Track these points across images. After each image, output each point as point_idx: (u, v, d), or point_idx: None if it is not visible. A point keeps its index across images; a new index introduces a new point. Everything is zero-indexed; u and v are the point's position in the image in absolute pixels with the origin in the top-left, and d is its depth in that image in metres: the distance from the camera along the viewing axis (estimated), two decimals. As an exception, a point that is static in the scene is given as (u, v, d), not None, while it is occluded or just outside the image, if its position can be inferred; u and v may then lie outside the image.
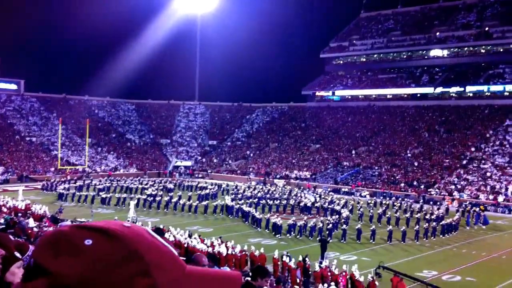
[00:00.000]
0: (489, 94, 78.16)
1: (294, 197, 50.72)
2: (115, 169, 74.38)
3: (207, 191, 53.04)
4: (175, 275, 1.10)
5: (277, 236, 34.43)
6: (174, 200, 45.50)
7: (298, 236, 34.56)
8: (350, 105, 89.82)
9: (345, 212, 40.67)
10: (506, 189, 54.24)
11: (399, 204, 47.73)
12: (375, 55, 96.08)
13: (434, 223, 37.15)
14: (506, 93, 76.43)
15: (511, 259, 29.86)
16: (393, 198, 53.01)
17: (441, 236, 36.05)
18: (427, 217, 39.72)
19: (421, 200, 52.46)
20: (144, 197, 47.19)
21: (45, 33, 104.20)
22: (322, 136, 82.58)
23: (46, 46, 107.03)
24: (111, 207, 45.39)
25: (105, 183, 56.56)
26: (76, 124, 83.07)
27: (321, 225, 35.05)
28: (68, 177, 63.01)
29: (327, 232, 33.95)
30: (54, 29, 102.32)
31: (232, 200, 46.58)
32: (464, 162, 62.66)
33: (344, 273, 23.43)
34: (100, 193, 48.48)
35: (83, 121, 74.92)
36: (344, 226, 35.35)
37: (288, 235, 34.66)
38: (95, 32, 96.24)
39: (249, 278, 5.77)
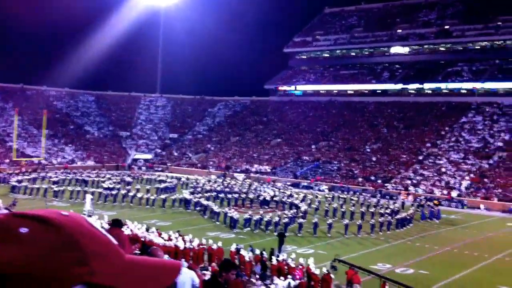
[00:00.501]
0: (446, 91, 79.96)
1: (253, 191, 50.77)
2: (72, 162, 72.88)
3: (166, 184, 52.62)
4: (113, 263, 1.09)
5: (233, 230, 34.35)
6: (131, 193, 44.90)
7: (254, 230, 34.49)
8: (312, 100, 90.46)
9: (303, 206, 40.97)
10: (460, 184, 55.67)
11: (356, 198, 48.44)
12: (338, 51, 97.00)
13: (389, 217, 37.79)
14: (463, 91, 78.38)
15: (463, 253, 30.60)
16: (351, 192, 53.77)
17: (396, 230, 36.70)
18: (382, 211, 40.38)
19: (378, 195, 53.33)
20: (100, 190, 46.33)
21: (2, 21, 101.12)
22: (283, 130, 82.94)
23: (3, 35, 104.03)
24: (66, 200, 44.43)
25: (60, 176, 55.20)
26: (33, 115, 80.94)
27: (277, 219, 35.10)
28: (23, 169, 61.39)
29: (284, 226, 34.04)
30: (12, 17, 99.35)
31: (191, 193, 46.27)
32: (421, 157, 64.00)
33: (300, 266, 23.56)
34: (53, 186, 47.05)
35: (41, 112, 73.05)
36: (301, 220, 35.58)
37: (244, 229, 34.55)
38: (55, 21, 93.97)
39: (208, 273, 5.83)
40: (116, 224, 6.53)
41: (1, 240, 1.01)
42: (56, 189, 46.11)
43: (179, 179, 58.18)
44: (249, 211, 37.88)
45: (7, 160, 65.68)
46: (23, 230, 1.03)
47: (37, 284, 1.00)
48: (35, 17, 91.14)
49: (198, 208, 41.19)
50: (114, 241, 1.16)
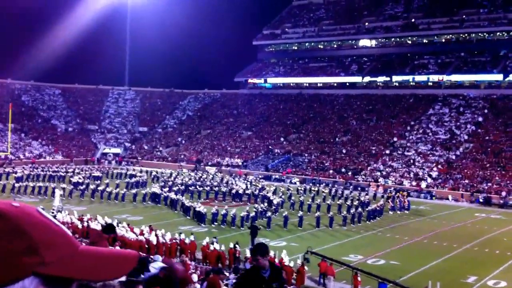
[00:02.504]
0: (413, 84, 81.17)
1: (225, 184, 50.70)
2: (39, 156, 71.43)
3: (137, 179, 52.10)
4: (66, 253, 1.08)
5: (201, 224, 34.13)
6: (101, 188, 44.30)
7: (221, 225, 34.27)
8: (282, 93, 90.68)
9: (275, 199, 41.06)
10: (429, 175, 56.70)
11: (327, 191, 48.85)
12: (307, 44, 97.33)
13: (360, 209, 38.24)
14: (429, 83, 79.73)
15: (432, 243, 31.20)
16: (322, 184, 54.19)
17: (367, 221, 37.17)
18: (354, 203, 40.84)
19: (350, 187, 53.89)
20: (70, 187, 45.42)
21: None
22: (253, 123, 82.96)
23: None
24: (35, 196, 43.54)
25: (24, 171, 53.68)
26: (-3, 109, 78.97)
27: (246, 213, 34.94)
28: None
29: (252, 220, 33.88)
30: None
31: (161, 188, 45.87)
32: (390, 149, 64.92)
33: (273, 258, 23.67)
34: (17, 184, 45.57)
35: (5, 106, 71.29)
36: (270, 213, 35.61)
37: (212, 224, 34.26)
38: (19, 12, 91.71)
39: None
40: (109, 229, 6.39)
41: None
42: (17, 185, 44.99)
43: (150, 173, 57.68)
44: (216, 206, 37.56)
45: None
46: None
47: None
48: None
49: (167, 203, 40.86)
50: (68, 232, 1.15)
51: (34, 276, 1.03)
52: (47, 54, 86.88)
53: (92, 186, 44.94)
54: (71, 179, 49.74)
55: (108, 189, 43.98)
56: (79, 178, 49.41)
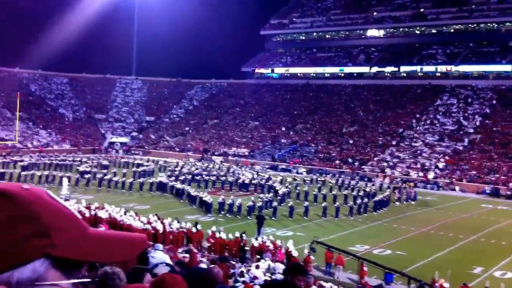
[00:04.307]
0: (421, 74, 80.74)
1: (232, 174, 50.78)
2: (47, 145, 71.79)
3: (144, 168, 52.25)
4: (75, 236, 1.10)
5: (208, 214, 34.25)
6: (108, 177, 44.46)
7: (226, 214, 34.37)
8: (289, 83, 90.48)
9: (281, 189, 41.09)
10: (436, 166, 56.53)
11: (334, 181, 48.81)
12: (314, 34, 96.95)
13: (366, 199, 38.20)
14: (437, 74, 79.29)
15: (439, 234, 31.19)
16: (329, 175, 54.16)
17: (373, 212, 37.13)
18: (360, 193, 40.81)
19: (356, 177, 53.83)
20: (77, 176, 45.66)
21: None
22: (260, 113, 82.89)
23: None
24: (42, 184, 43.74)
25: (31, 160, 53.90)
26: (5, 97, 79.24)
27: (252, 203, 34.98)
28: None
29: (258, 209, 33.91)
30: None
31: (168, 177, 46.02)
32: (397, 140, 64.73)
33: (279, 248, 23.76)
34: (23, 172, 45.78)
35: (13, 94, 71.50)
36: (276, 203, 35.59)
37: (219, 213, 34.28)
38: (27, 1, 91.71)
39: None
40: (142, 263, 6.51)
41: None
42: (24, 174, 45.25)
43: (156, 162, 57.85)
44: (222, 195, 37.62)
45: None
46: None
47: None
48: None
49: (174, 192, 40.95)
50: (78, 215, 1.16)
51: (45, 258, 1.05)
52: (55, 43, 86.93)
53: (99, 175, 45.10)
54: (78, 168, 49.97)
55: (115, 178, 44.16)
56: (86, 167, 49.61)
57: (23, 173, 45.48)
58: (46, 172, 46.51)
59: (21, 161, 52.57)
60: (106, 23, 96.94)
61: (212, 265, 5.89)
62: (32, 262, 1.04)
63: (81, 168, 48.83)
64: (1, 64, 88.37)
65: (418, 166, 57.47)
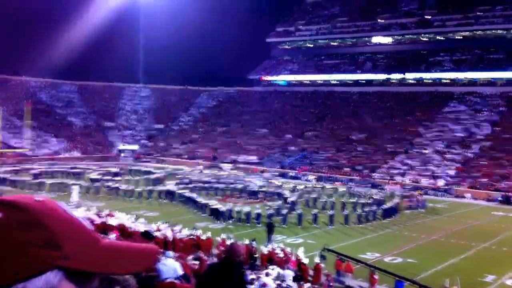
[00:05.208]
0: (429, 81, 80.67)
1: (241, 181, 50.84)
2: (57, 153, 72.21)
3: (154, 175, 52.39)
4: (88, 248, 1.10)
5: (218, 221, 34.33)
6: (117, 184, 44.62)
7: (236, 221, 34.38)
8: (296, 90, 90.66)
9: (292, 197, 41.01)
10: (446, 173, 56.35)
11: (344, 189, 48.71)
12: (321, 41, 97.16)
13: (375, 207, 38.09)
14: (445, 81, 79.17)
15: (450, 241, 31.07)
16: (338, 182, 54.08)
17: (382, 220, 36.98)
18: (369, 201, 40.71)
19: (366, 184, 53.70)
20: (88, 183, 45.85)
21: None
22: (268, 120, 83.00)
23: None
24: (53, 192, 43.99)
25: (41, 168, 54.38)
26: (14, 106, 79.73)
27: (261, 210, 35.01)
28: (9, 161, 60.62)
29: (267, 217, 33.75)
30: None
31: (177, 185, 46.13)
32: (406, 147, 64.60)
33: (290, 255, 23.76)
34: (34, 180, 46.20)
35: (22, 103, 72.01)
36: (286, 210, 35.57)
37: (228, 220, 34.36)
38: (35, 9, 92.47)
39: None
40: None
41: None
42: (34, 182, 45.53)
43: (166, 170, 58.05)
44: (230, 203, 37.71)
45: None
46: None
47: (8, 265, 1.02)
48: (13, 3, 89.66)
49: (182, 199, 41.04)
50: (90, 227, 1.16)
51: (58, 269, 1.05)
52: (62, 51, 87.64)
53: (109, 183, 45.26)
54: (88, 175, 50.23)
55: (124, 185, 44.32)
56: (97, 175, 49.86)
57: (34, 181, 45.77)
58: (57, 180, 46.77)
59: (32, 169, 52.95)
60: (113, 30, 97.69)
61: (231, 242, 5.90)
62: (44, 273, 1.04)
63: (92, 176, 49.06)
64: (9, 72, 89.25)
65: (429, 173, 57.28)
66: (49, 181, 46.27)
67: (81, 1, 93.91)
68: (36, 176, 48.46)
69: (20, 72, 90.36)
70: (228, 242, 25.33)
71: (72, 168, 55.61)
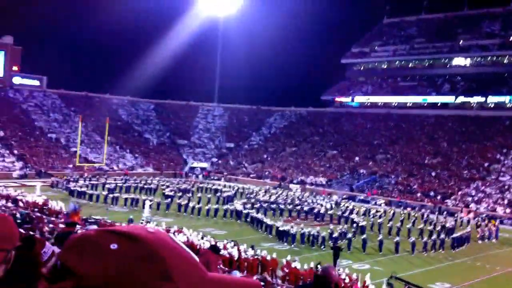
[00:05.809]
0: (510, 105, 77.12)
1: (308, 203, 50.47)
2: (132, 168, 74.95)
3: (224, 194, 53.01)
4: (196, 280, 1.13)
5: (284, 242, 34.13)
6: (186, 202, 45.36)
7: (302, 244, 34.06)
8: (369, 112, 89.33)
9: (363, 221, 40.12)
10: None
11: (419, 215, 47.14)
12: (397, 62, 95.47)
13: (443, 235, 36.46)
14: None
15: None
16: (408, 208, 52.45)
17: (451, 250, 35.15)
18: (437, 228, 39.12)
19: (438, 211, 51.76)
20: (159, 199, 46.96)
21: (69, 29, 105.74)
22: (339, 142, 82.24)
23: (70, 43, 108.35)
24: (126, 206, 45.51)
25: (116, 182, 56.29)
26: (96, 122, 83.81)
27: (324, 233, 34.53)
28: (85, 174, 63.56)
29: (334, 240, 33.19)
30: (79, 26, 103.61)
31: (245, 204, 46.39)
32: (483, 174, 61.87)
33: (355, 281, 23.30)
34: (110, 194, 47.75)
35: (103, 119, 75.58)
36: (351, 235, 34.82)
37: (293, 243, 34.06)
38: (119, 31, 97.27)
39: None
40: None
41: (92, 255, 1.09)
42: (111, 195, 47.32)
43: (235, 188, 58.70)
44: (297, 224, 37.40)
45: (71, 166, 68.23)
46: (113, 246, 1.10)
47: None
48: (101, 26, 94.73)
49: (248, 220, 41.22)
50: (196, 258, 1.18)
51: None
52: (143, 72, 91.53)
53: (180, 200, 46.16)
54: (162, 191, 51.65)
55: (193, 203, 45.00)
56: (169, 191, 51.21)
57: (109, 195, 47.61)
58: (131, 196, 48.34)
59: (108, 183, 55.08)
60: (191, 51, 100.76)
61: (326, 265, 5.79)
62: None
63: (167, 192, 50.41)
64: (93, 90, 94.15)
65: (506, 202, 54.52)
66: (123, 196, 47.95)
67: (162, 25, 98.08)
68: (111, 190, 50.35)
69: (103, 90, 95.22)
70: (293, 265, 25.25)
71: (145, 183, 57.34)
